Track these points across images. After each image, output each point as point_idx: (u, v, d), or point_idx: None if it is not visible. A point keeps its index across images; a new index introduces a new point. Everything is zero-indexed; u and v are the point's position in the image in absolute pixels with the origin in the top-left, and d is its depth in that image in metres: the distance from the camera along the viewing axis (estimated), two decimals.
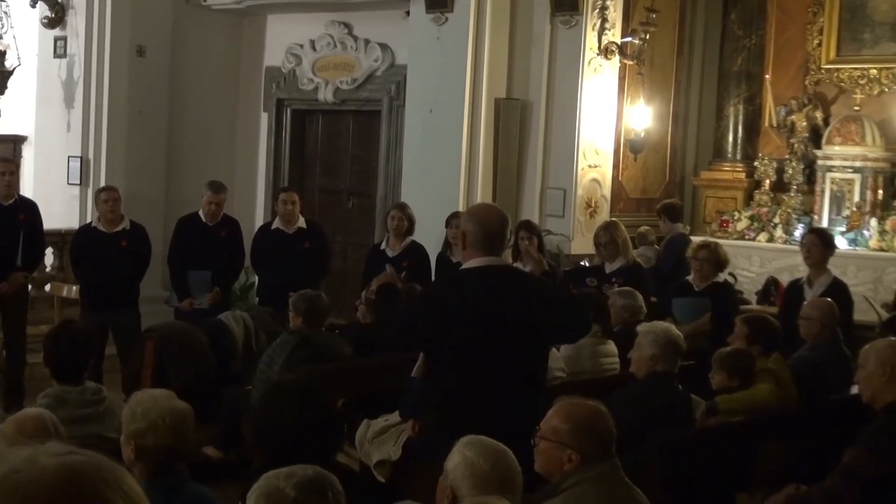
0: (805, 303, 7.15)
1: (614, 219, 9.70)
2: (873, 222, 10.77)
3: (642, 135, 11.48)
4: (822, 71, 11.76)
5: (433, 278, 9.26)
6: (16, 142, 13.19)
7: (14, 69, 11.93)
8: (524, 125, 10.79)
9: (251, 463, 3.63)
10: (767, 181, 11.77)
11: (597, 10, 10.70)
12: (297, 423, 3.51)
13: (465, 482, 3.40)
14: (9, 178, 8.82)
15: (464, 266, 4.72)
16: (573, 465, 3.79)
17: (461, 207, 10.30)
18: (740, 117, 12.23)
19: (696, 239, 10.13)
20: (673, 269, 9.54)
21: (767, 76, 11.90)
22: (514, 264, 8.74)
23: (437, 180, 10.67)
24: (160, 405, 3.86)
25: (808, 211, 11.33)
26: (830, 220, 11.00)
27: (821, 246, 8.01)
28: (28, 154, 12.73)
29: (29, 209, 9.00)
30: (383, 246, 9.29)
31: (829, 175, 11.18)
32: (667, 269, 9.74)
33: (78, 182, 11.72)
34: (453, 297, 4.75)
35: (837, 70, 11.67)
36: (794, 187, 11.50)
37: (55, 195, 11.40)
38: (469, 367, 4.61)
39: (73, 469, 1.52)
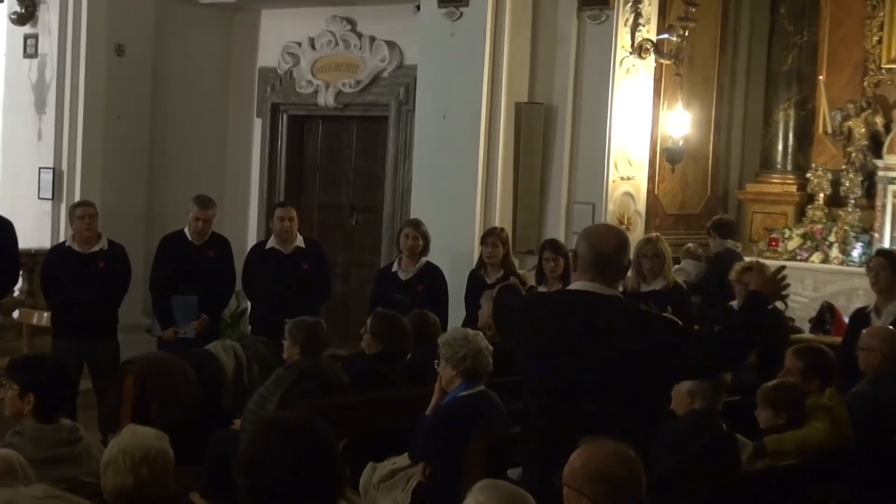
0: (863, 331, 7.13)
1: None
2: None
3: (681, 143, 11.48)
4: (883, 71, 11.77)
5: (456, 300, 9.30)
6: None
7: None
8: (548, 132, 10.80)
9: None
10: (821, 195, 11.77)
11: (629, 4, 10.71)
12: (293, 465, 3.52)
13: None
14: None
15: (569, 287, 4.84)
16: None
17: (478, 224, 10.33)
18: (791, 123, 12.23)
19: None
20: (717, 287, 9.53)
21: (821, 77, 11.91)
22: (539, 288, 8.81)
23: (450, 194, 10.69)
24: (123, 440, 3.93)
25: (867, 228, 11.31)
26: (892, 239, 10.99)
27: (890, 270, 7.98)
28: None
29: (1, 228, 9.02)
30: (395, 268, 9.32)
31: (890, 188, 11.17)
32: (711, 286, 9.74)
33: (50, 196, 11.78)
34: (535, 314, 4.88)
35: None
36: (852, 201, 11.50)
37: (24, 211, 11.43)
38: (542, 394, 4.69)
39: None
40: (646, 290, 8.46)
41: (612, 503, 3.76)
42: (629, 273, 8.65)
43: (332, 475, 3.58)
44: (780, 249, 11.61)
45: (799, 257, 11.48)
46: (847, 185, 11.51)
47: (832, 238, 11.39)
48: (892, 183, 11.18)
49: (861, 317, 8.17)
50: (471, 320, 8.58)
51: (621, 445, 3.83)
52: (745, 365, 7.61)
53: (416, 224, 9.41)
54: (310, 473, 3.51)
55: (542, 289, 8.76)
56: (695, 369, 4.93)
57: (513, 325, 5.03)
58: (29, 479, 3.89)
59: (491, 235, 9.45)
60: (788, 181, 12.22)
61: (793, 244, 11.59)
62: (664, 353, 4.59)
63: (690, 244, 10.84)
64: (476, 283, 9.26)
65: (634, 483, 3.79)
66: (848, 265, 10.97)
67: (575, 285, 4.75)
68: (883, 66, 11.77)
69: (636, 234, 10.76)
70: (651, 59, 10.97)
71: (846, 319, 8.90)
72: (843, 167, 11.64)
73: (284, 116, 13.11)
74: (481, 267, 9.38)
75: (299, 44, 12.72)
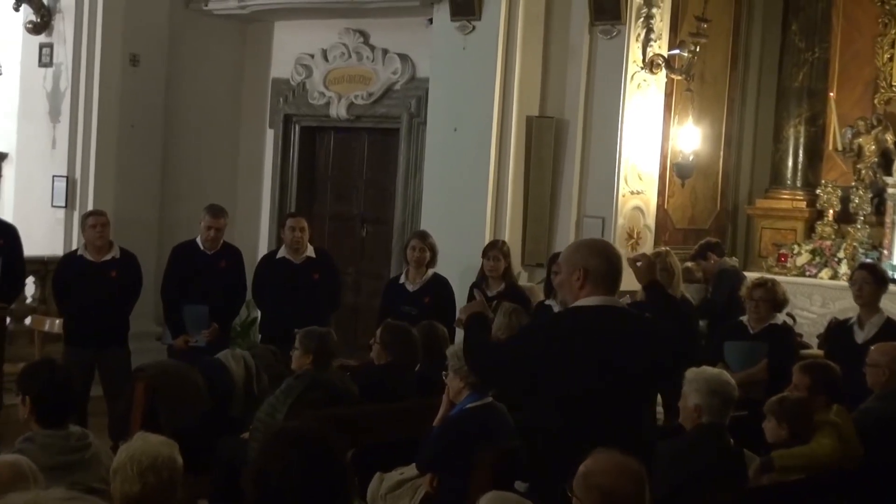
0: (871, 348, 7.13)
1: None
2: None
3: (691, 158, 11.47)
4: (894, 88, 11.75)
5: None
6: None
7: None
8: (559, 146, 10.81)
9: None
10: (831, 211, 11.74)
11: (641, 20, 10.72)
12: (301, 475, 3.52)
13: None
14: None
15: (576, 305, 4.74)
16: None
17: (487, 237, 10.32)
18: (801, 140, 12.21)
19: (750, 275, 10.09)
20: (726, 304, 9.53)
21: (832, 94, 11.89)
22: (546, 302, 8.80)
23: (461, 207, 10.69)
24: (132, 447, 3.94)
25: (876, 245, 11.28)
26: None
27: (873, 283, 8.05)
28: (8, 173, 12.83)
29: (8, 234, 9.06)
30: (402, 279, 9.32)
31: None
32: (719, 303, 9.72)
33: (63, 204, 11.79)
34: (563, 332, 4.76)
35: None
36: (861, 218, 11.47)
37: (37, 218, 11.47)
38: (579, 414, 4.62)
39: None
40: None
41: None
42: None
43: (340, 485, 3.59)
44: (788, 265, 11.59)
45: (808, 273, 11.46)
46: (856, 201, 11.48)
47: (841, 254, 11.37)
48: None
49: (843, 329, 8.21)
50: None
51: (626, 459, 3.84)
52: (756, 382, 7.67)
53: (424, 236, 9.41)
54: (317, 483, 3.52)
55: (550, 302, 8.76)
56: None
57: (519, 354, 4.86)
58: (39, 484, 3.89)
59: (493, 249, 9.44)
60: (798, 197, 12.20)
61: (802, 260, 11.57)
62: (674, 364, 4.65)
63: (689, 263, 10.46)
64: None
65: (634, 497, 3.79)
66: None
67: (592, 300, 4.69)
68: (894, 83, 11.75)
69: (646, 249, 10.76)
70: (662, 74, 10.97)
71: None
72: (853, 184, 11.62)
73: (296, 127, 13.12)
74: (483, 280, 9.38)
75: (312, 55, 12.74)
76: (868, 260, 10.98)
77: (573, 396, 4.60)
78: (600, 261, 4.69)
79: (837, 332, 8.35)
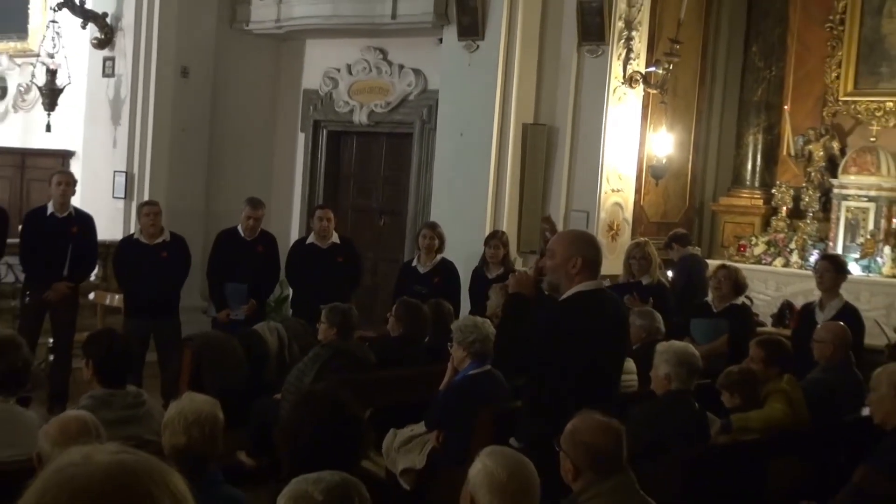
0: (819, 326, 7.13)
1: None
2: (887, 250, 10.72)
3: (664, 161, 11.46)
4: (840, 103, 11.73)
5: (466, 293, 9.29)
6: (64, 156, 13.32)
7: (64, 87, 12.06)
8: (550, 150, 10.79)
9: (281, 469, 3.65)
10: (784, 208, 11.74)
11: (622, 41, 10.69)
12: (324, 431, 3.53)
13: (482, 490, 3.41)
14: (64, 188, 8.88)
15: (578, 290, 4.65)
16: (570, 475, 3.80)
17: (488, 227, 10.31)
18: (759, 146, 12.20)
19: (714, 262, 10.11)
20: (684, 287, 9.51)
21: (786, 107, 11.87)
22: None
23: (465, 201, 10.69)
24: (180, 404, 3.96)
25: (823, 238, 11.28)
26: (845, 247, 10.95)
27: (833, 271, 8.03)
28: (76, 168, 12.79)
29: (83, 223, 9.03)
30: (414, 263, 9.34)
31: (844, 203, 11.13)
32: (678, 286, 9.71)
33: (122, 196, 11.81)
34: (575, 315, 4.66)
35: (854, 102, 11.64)
36: (810, 214, 11.47)
37: (101, 208, 11.44)
38: (590, 386, 4.60)
39: (124, 467, 1.56)
40: (633, 282, 8.49)
41: (588, 467, 3.77)
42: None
43: (357, 439, 3.60)
44: (747, 254, 11.59)
45: (763, 261, 11.47)
46: (806, 200, 11.48)
47: (793, 245, 11.36)
48: (846, 199, 11.14)
49: (807, 311, 8.21)
50: (475, 310, 8.58)
51: (609, 420, 3.85)
52: (718, 354, 7.67)
53: (433, 226, 9.42)
54: (339, 437, 3.53)
55: (544, 286, 8.74)
56: None
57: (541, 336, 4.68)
58: (101, 436, 3.91)
59: (493, 238, 9.46)
60: (756, 196, 12.18)
61: (758, 250, 11.56)
62: None
63: None
64: (478, 279, 9.28)
65: (612, 452, 3.79)
66: (806, 269, 10.92)
67: (588, 285, 4.66)
68: (840, 98, 11.72)
69: (624, 239, 10.76)
70: (640, 88, 10.95)
71: None
72: (804, 185, 11.61)
73: (324, 132, 13.10)
74: (484, 264, 9.39)
75: (338, 69, 12.72)
76: (816, 250, 11.02)
77: (582, 370, 4.62)
78: (593, 252, 4.72)
79: (804, 313, 8.33)
